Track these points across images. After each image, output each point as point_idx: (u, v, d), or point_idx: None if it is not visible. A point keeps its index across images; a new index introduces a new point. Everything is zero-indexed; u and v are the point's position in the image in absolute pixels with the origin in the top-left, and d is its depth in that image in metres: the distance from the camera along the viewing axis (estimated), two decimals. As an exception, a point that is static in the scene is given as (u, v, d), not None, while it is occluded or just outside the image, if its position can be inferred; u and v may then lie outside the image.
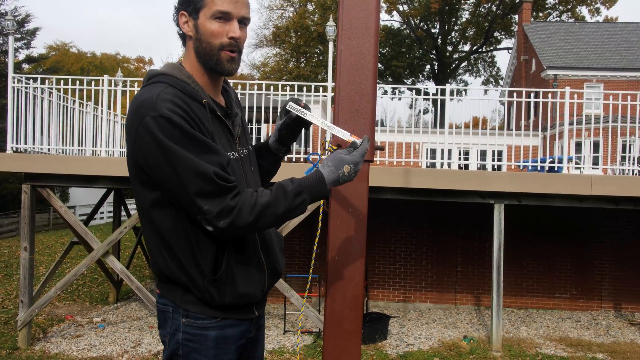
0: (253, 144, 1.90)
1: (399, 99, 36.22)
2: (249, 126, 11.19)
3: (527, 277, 9.72)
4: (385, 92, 14.71)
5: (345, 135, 1.55)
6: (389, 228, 9.75)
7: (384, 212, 9.68)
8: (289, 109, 1.71)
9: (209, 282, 1.54)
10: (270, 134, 9.37)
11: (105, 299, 9.71)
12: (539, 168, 9.20)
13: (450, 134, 8.17)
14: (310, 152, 9.93)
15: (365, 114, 1.68)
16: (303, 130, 1.80)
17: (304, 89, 8.08)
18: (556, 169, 8.06)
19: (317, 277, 9.31)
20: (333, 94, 9.35)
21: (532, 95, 8.07)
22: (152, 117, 1.40)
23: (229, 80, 1.83)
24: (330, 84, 7.39)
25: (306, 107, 1.70)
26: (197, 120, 1.48)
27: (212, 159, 1.44)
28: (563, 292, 9.69)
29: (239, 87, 7.72)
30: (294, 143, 2.03)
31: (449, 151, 9.17)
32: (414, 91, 32.12)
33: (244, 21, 1.57)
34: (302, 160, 10.04)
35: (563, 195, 7.11)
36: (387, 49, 38.34)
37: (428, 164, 10.45)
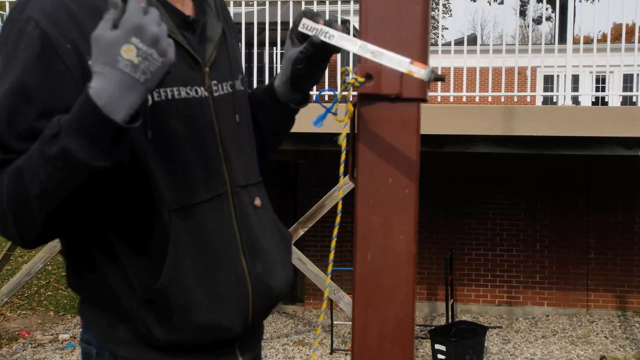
0: (253, 85, 1.74)
1: (500, 2, 35.14)
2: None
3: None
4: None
5: (403, 65, 1.36)
6: (483, 196, 9.64)
7: (475, 173, 9.55)
8: (303, 30, 1.53)
9: (141, 305, 1.42)
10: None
11: (76, 306, 9.96)
12: None
13: (576, 53, 7.84)
14: (326, 88, 9.82)
15: (413, 22, 1.50)
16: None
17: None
18: None
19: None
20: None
21: None
22: (16, 19, 1.36)
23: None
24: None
25: (330, 23, 1.52)
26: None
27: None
28: None
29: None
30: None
31: (575, 78, 8.82)
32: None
33: None
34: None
35: None
36: None
37: (544, 100, 10.15)
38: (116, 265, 1.45)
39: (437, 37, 17.34)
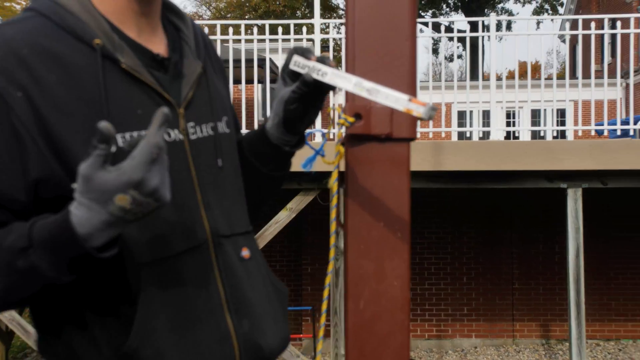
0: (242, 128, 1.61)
1: (414, 40, 35.87)
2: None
3: (618, 294, 9.69)
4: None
5: (401, 103, 1.28)
6: (412, 230, 9.64)
7: (403, 207, 9.57)
8: (295, 68, 1.43)
9: None
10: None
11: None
12: (619, 133, 9.06)
13: (487, 89, 8.02)
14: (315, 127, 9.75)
15: (401, 58, 1.44)
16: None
17: (280, 29, 7.85)
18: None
19: (310, 309, 9.18)
20: (336, 35, 9.18)
21: (607, 24, 7.90)
22: None
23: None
24: (317, 20, 7.19)
25: (322, 60, 1.42)
26: (49, 86, 1.24)
27: None
28: (671, 313, 9.66)
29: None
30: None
31: (485, 113, 9.02)
32: (439, 28, 31.94)
33: None
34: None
35: (670, 171, 7.00)
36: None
37: (460, 135, 10.31)
38: (83, 328, 1.32)
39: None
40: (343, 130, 1.40)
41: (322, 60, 1.41)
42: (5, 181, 1.22)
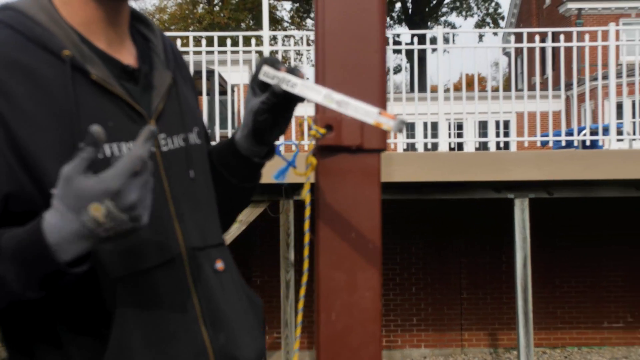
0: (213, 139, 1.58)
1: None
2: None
3: (563, 302, 9.85)
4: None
5: (371, 116, 1.27)
6: (361, 242, 9.66)
7: (352, 219, 9.58)
8: (264, 78, 1.42)
9: None
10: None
11: None
12: (564, 144, 9.25)
13: (434, 101, 8.11)
14: (288, 138, 9.69)
15: (371, 70, 1.45)
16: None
17: (229, 41, 7.82)
18: (587, 143, 8.12)
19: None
20: (285, 47, 9.14)
21: (550, 37, 8.08)
22: None
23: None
24: (266, 32, 7.17)
25: (292, 70, 1.40)
26: (18, 99, 1.21)
27: None
28: (614, 320, 9.84)
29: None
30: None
31: (433, 125, 9.11)
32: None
33: None
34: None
35: (613, 181, 7.15)
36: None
37: (406, 146, 10.40)
38: (57, 347, 1.28)
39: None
40: (314, 141, 1.40)
41: (291, 71, 1.40)
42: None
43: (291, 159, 1.41)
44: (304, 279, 1.39)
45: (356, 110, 1.30)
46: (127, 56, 1.43)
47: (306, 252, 1.43)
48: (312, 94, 1.34)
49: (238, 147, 1.57)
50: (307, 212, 1.40)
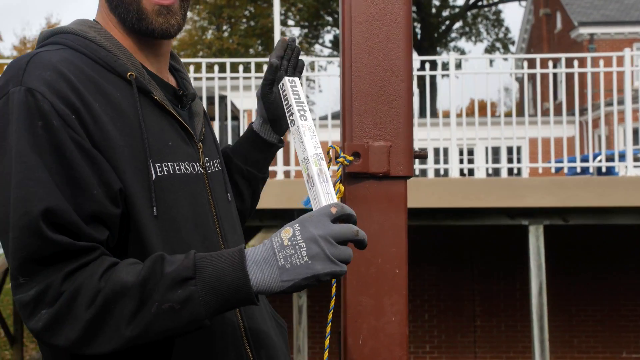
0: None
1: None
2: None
3: (580, 331, 9.79)
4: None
5: (324, 203, 1.29)
6: (373, 269, 9.67)
7: (364, 245, 9.59)
8: (282, 89, 1.51)
9: None
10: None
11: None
12: (579, 170, 9.26)
13: (454, 126, 8.13)
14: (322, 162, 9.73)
15: (397, 99, 1.49)
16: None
17: (241, 67, 7.90)
18: (603, 169, 8.11)
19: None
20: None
21: (563, 63, 8.09)
22: (11, 92, 1.23)
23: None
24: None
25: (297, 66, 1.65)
26: (97, 112, 1.26)
27: (75, 197, 1.20)
28: (634, 350, 9.77)
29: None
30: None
31: (444, 150, 9.15)
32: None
33: None
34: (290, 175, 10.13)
35: (629, 208, 7.15)
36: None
37: (418, 172, 10.43)
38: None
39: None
40: (341, 168, 1.45)
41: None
42: (98, 195, 1.22)
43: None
44: (332, 304, 1.43)
45: (316, 194, 1.32)
46: (171, 81, 1.53)
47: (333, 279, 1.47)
48: (298, 143, 1.39)
49: (260, 134, 1.72)
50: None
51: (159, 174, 1.32)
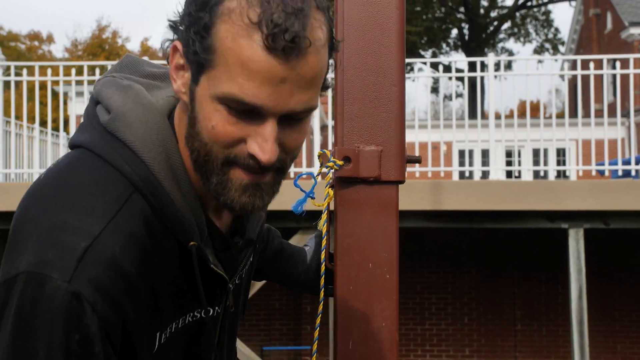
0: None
1: (413, 79, 36.10)
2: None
3: (623, 336, 9.65)
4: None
5: None
6: (411, 270, 9.63)
7: (403, 247, 9.57)
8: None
9: None
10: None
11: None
12: (620, 173, 9.10)
13: (492, 128, 8.04)
14: (304, 167, 9.70)
15: (389, 103, 1.48)
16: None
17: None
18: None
19: (310, 348, 9.12)
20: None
21: (617, 64, 7.95)
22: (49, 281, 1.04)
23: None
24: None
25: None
26: (141, 311, 1.13)
27: None
28: (677, 355, 9.60)
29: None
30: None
31: (485, 152, 9.06)
32: (437, 67, 32.08)
33: (296, 115, 1.10)
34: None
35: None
36: (395, 7, 38.52)
37: (462, 174, 10.36)
38: None
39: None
40: (331, 172, 1.45)
41: None
42: None
43: (309, 191, 1.45)
44: (320, 308, 1.43)
45: None
46: (226, 216, 1.33)
47: (322, 282, 1.47)
48: None
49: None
50: (324, 243, 1.44)
51: (161, 342, 1.19)
